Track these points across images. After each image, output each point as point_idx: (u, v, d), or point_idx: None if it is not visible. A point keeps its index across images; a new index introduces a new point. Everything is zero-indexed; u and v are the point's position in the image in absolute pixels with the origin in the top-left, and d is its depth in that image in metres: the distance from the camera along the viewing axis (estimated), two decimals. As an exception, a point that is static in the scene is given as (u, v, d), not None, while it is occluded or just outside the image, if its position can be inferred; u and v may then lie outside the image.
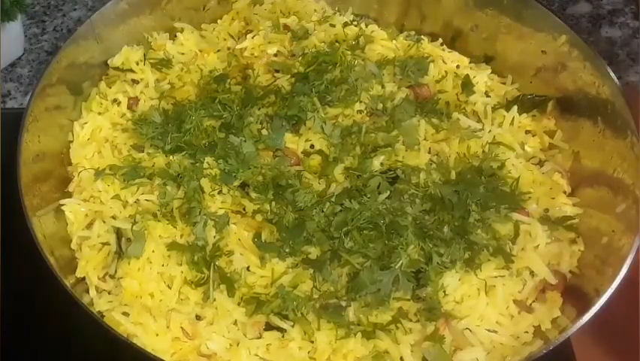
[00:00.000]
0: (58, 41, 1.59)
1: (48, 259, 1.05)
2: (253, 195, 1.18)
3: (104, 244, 1.16)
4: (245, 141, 1.22)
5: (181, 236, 1.16)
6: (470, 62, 1.39)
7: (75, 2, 1.66)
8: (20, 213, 1.08)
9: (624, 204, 1.12)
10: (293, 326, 1.08)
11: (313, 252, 1.13)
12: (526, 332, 1.10)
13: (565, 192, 1.23)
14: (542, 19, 1.29)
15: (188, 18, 1.41)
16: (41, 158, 1.20)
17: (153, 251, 1.13)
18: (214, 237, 1.15)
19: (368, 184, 1.17)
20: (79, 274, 1.14)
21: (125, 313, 1.08)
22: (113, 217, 1.18)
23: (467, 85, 1.33)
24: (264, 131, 1.25)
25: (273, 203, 1.16)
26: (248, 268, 1.13)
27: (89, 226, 1.18)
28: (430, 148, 1.25)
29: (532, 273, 1.13)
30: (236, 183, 1.20)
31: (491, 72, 1.38)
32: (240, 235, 1.16)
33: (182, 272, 1.12)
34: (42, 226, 1.11)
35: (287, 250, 1.12)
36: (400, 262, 1.08)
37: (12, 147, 1.14)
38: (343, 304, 1.09)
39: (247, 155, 1.21)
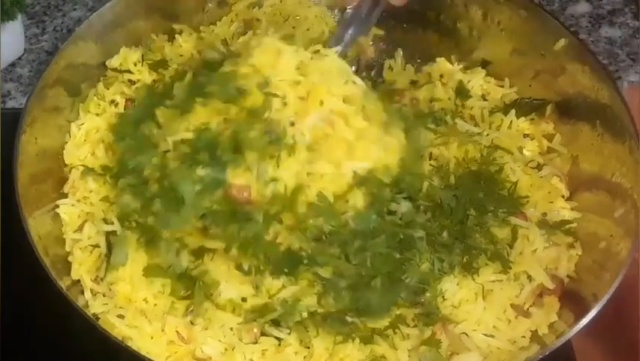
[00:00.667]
0: (58, 41, 1.58)
1: (43, 261, 1.04)
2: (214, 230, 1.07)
3: (95, 246, 1.16)
4: None
5: None
6: (466, 68, 1.38)
7: (75, 2, 1.65)
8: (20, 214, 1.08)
9: (622, 208, 1.11)
10: (290, 334, 1.07)
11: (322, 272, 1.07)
12: (524, 336, 1.09)
13: (563, 196, 1.23)
14: (541, 22, 1.28)
15: (187, 19, 1.41)
16: (39, 159, 1.20)
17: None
18: (192, 262, 1.10)
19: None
20: (73, 276, 1.14)
21: (120, 316, 1.08)
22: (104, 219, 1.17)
23: (462, 91, 1.32)
24: None
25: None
26: (244, 300, 1.09)
27: (82, 227, 1.18)
28: (430, 153, 1.25)
29: (529, 277, 1.13)
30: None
31: (489, 76, 1.37)
32: (220, 267, 1.09)
33: (164, 285, 1.11)
34: (38, 227, 1.11)
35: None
36: (412, 279, 1.08)
37: (12, 147, 1.14)
38: (349, 319, 1.08)
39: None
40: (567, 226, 1.17)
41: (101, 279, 1.12)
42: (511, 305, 1.11)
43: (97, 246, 1.15)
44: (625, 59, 1.57)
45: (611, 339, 1.17)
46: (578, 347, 1.18)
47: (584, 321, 1.02)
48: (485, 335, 1.09)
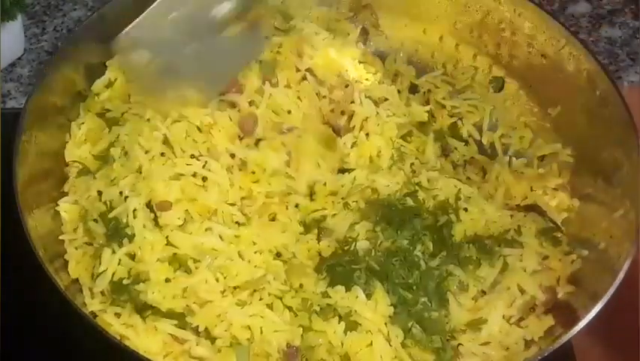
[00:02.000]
0: (58, 41, 1.58)
1: (41, 259, 1.04)
2: None
3: (88, 244, 1.15)
4: None
5: None
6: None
7: (75, 2, 1.65)
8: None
9: (622, 209, 1.11)
10: None
11: None
12: (516, 343, 1.09)
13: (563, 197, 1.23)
14: (541, 22, 1.28)
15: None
16: (39, 158, 1.19)
17: None
18: None
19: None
20: (72, 274, 1.13)
21: (117, 315, 1.07)
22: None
23: None
24: None
25: None
26: None
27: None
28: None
29: (521, 290, 1.12)
30: None
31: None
32: None
33: None
34: (38, 226, 1.11)
35: None
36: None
37: (12, 147, 1.14)
38: None
39: None
40: (565, 228, 1.18)
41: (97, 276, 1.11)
42: (504, 317, 1.11)
43: (90, 244, 1.15)
44: (625, 59, 1.57)
45: (610, 339, 1.18)
46: (578, 347, 1.18)
47: (584, 321, 1.02)
48: (481, 344, 1.09)
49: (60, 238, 1.16)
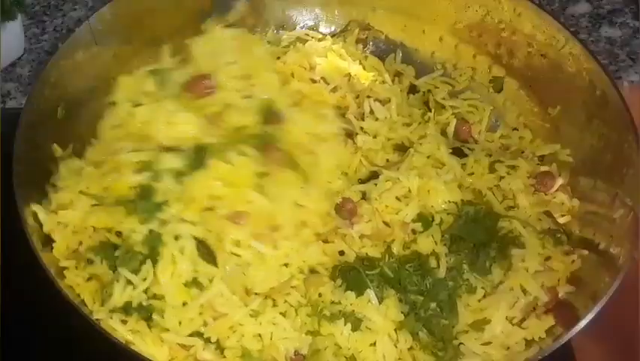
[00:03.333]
0: (58, 41, 1.59)
1: (42, 260, 1.04)
2: None
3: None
4: None
5: None
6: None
7: (75, 2, 1.66)
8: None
9: (622, 209, 1.11)
10: None
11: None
12: (517, 343, 1.09)
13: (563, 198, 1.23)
14: (541, 22, 1.28)
15: (189, 19, 1.40)
16: (39, 158, 1.19)
17: None
18: None
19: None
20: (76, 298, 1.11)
21: (124, 321, 1.06)
22: None
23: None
24: None
25: None
26: None
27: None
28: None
29: (524, 291, 1.12)
30: None
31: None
32: None
33: None
34: (38, 225, 1.11)
35: None
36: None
37: (12, 147, 1.14)
38: None
39: None
40: (565, 228, 1.19)
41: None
42: (506, 318, 1.11)
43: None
44: (625, 59, 1.57)
45: (610, 339, 1.18)
46: (578, 347, 1.18)
47: (584, 322, 1.02)
48: (482, 344, 1.09)
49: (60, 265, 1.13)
